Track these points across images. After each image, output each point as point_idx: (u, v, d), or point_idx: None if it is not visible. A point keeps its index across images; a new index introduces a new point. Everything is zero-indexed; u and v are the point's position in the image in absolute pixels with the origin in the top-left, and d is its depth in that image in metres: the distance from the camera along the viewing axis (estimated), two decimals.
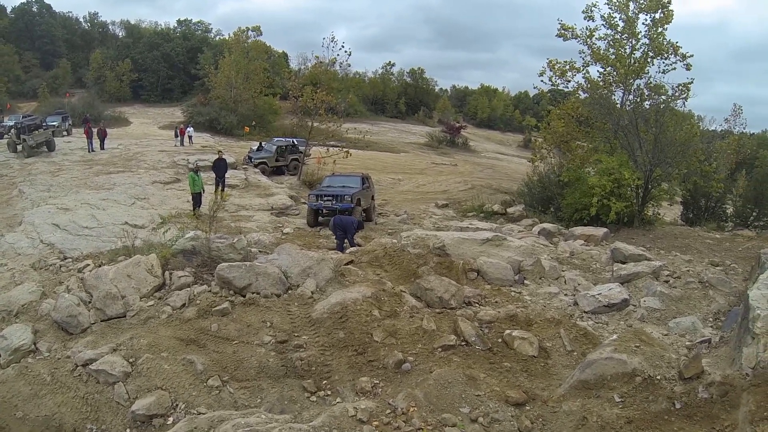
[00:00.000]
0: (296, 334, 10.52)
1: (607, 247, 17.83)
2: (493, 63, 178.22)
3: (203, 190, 21.84)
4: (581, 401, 8.43)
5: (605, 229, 20.64)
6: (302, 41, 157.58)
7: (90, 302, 11.62)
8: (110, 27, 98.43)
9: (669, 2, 27.74)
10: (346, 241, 17.45)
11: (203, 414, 8.51)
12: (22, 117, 44.02)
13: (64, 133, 45.17)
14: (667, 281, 14.10)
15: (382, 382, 9.33)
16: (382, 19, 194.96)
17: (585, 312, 12.43)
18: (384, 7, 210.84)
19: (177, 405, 8.83)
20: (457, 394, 8.56)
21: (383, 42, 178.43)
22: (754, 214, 25.39)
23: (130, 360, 9.68)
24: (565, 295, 13.60)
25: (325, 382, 9.44)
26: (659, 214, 24.48)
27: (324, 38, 55.65)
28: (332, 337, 10.33)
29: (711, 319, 12.11)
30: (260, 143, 40.04)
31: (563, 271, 15.21)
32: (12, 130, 35.80)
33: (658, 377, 8.59)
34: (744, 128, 58.01)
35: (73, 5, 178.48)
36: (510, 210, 26.74)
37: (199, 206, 21.21)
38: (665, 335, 11.12)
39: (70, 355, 10.16)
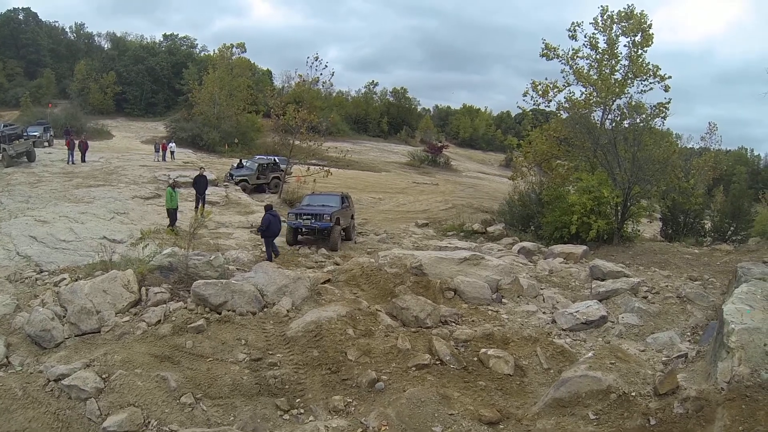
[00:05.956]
0: (270, 352, 10.44)
1: (586, 264, 17.93)
2: (481, 85, 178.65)
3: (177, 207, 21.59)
4: (556, 419, 8.44)
5: (585, 247, 20.78)
6: (296, 59, 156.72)
7: (65, 317, 11.43)
8: (96, 38, 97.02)
9: (649, 26, 28.33)
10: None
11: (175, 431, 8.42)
12: (3, 126, 43.36)
13: (45, 144, 44.72)
14: (645, 297, 14.17)
15: (355, 400, 9.27)
16: (375, 39, 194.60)
17: (563, 330, 12.41)
18: (380, 27, 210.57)
19: (149, 422, 8.66)
20: (429, 413, 8.52)
21: (374, 62, 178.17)
22: (732, 228, 25.80)
23: (103, 376, 9.49)
24: (543, 313, 13.61)
25: (298, 400, 9.36)
26: (639, 231, 24.72)
27: (308, 57, 55.58)
28: (306, 355, 10.26)
29: (689, 333, 12.12)
30: (240, 160, 39.96)
31: (542, 289, 15.25)
32: None
33: (633, 394, 8.64)
34: (719, 145, 59.64)
35: (62, 14, 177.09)
36: (490, 229, 26.87)
37: (175, 222, 21.00)
38: (642, 351, 11.13)
39: (43, 370, 9.93)
